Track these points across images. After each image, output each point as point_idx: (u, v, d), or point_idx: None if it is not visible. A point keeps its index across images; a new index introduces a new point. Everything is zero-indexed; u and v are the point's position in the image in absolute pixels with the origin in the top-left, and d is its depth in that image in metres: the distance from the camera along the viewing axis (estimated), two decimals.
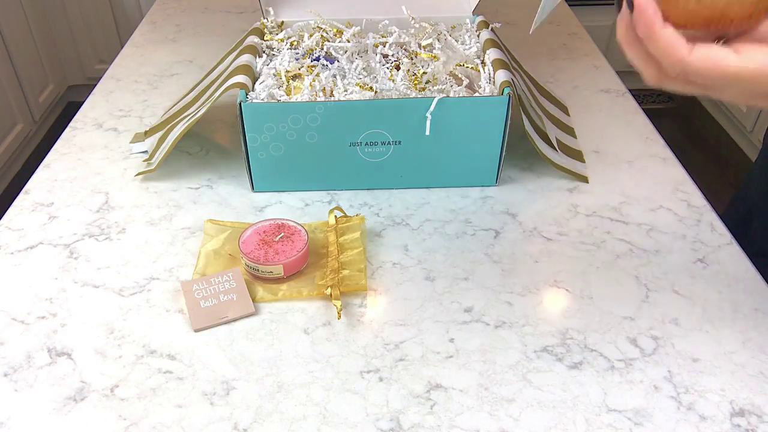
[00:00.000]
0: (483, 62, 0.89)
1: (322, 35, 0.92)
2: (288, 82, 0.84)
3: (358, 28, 0.94)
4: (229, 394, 0.60)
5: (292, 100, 0.81)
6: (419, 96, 0.81)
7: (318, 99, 0.81)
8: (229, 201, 0.84)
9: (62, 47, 2.53)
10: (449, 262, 0.74)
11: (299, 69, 0.86)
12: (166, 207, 0.83)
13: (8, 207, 0.83)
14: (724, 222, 0.81)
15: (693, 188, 0.87)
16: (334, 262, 0.72)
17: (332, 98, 0.82)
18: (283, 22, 0.97)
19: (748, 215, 0.91)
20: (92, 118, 1.02)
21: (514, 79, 0.83)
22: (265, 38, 0.94)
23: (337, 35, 0.93)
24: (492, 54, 0.87)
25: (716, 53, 0.41)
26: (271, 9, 0.97)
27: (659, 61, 0.42)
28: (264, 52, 0.92)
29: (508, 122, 0.80)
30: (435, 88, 0.82)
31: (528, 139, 0.83)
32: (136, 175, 0.88)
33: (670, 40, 0.41)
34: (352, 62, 0.88)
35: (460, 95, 0.82)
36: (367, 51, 0.90)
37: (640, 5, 0.40)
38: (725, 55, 0.41)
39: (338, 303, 0.67)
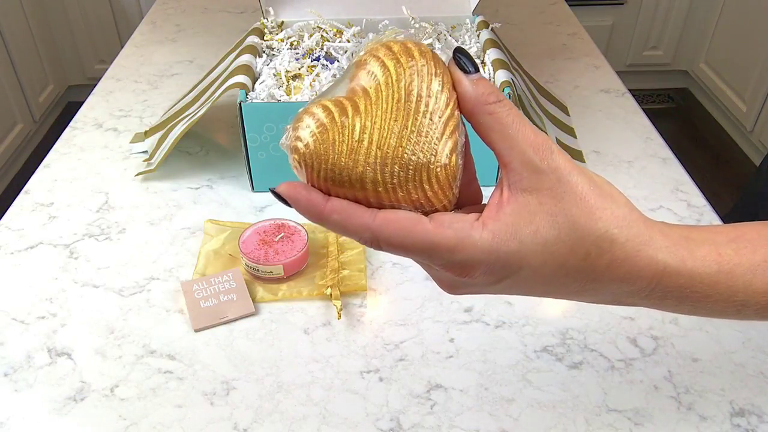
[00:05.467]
0: (483, 62, 0.89)
1: (322, 35, 0.92)
2: (288, 82, 0.84)
3: (358, 28, 0.94)
4: (229, 394, 0.60)
5: (292, 100, 0.81)
6: None
7: None
8: (229, 201, 0.84)
9: (62, 47, 2.53)
10: None
11: (299, 69, 0.86)
12: (166, 207, 0.83)
13: (8, 207, 0.83)
14: (732, 220, 0.81)
15: (693, 188, 0.86)
16: (334, 262, 0.72)
17: None
18: (283, 22, 0.97)
19: (754, 212, 0.91)
20: (92, 118, 1.02)
21: (514, 79, 0.83)
22: (265, 38, 0.94)
23: (337, 35, 0.93)
24: (492, 54, 0.87)
25: (402, 215, 0.33)
26: (271, 9, 0.97)
27: (348, 235, 0.34)
28: (264, 52, 0.92)
29: None
30: None
31: None
32: (136, 175, 0.88)
33: (346, 208, 0.33)
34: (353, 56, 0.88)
35: None
36: None
37: (291, 196, 0.34)
38: (417, 219, 0.33)
39: (338, 303, 0.67)
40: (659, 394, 0.60)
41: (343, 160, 0.33)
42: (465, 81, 0.33)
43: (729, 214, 0.96)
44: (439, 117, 0.33)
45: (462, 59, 0.34)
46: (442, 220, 0.33)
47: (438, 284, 0.37)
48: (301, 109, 0.34)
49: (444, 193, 0.34)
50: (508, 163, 0.33)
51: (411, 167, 0.33)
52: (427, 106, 0.33)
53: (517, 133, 0.33)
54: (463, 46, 0.36)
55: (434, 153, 0.33)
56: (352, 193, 0.33)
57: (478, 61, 0.86)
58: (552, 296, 0.36)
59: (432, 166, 0.33)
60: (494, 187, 0.35)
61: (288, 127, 0.34)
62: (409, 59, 0.33)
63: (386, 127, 0.33)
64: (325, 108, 0.33)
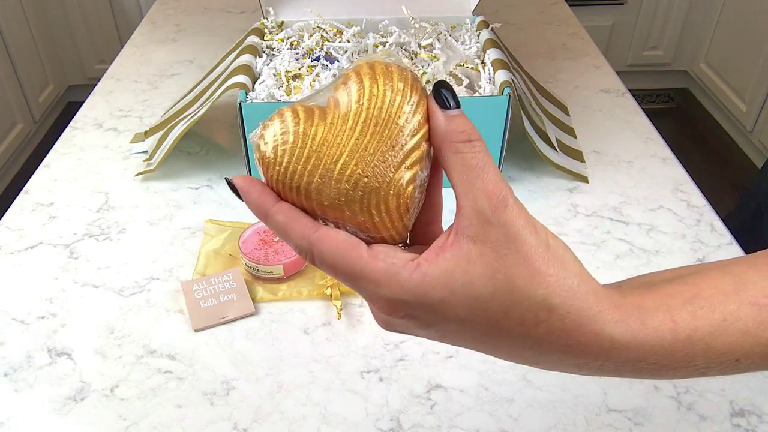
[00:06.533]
0: (483, 62, 0.89)
1: (322, 35, 0.92)
2: (288, 82, 0.84)
3: (358, 28, 0.94)
4: (229, 394, 0.60)
5: (292, 100, 0.81)
6: None
7: None
8: (229, 201, 0.84)
9: (62, 47, 2.53)
10: None
11: (299, 69, 0.86)
12: (166, 207, 0.83)
13: (8, 207, 0.83)
14: (735, 219, 0.81)
15: (693, 188, 0.87)
16: None
17: None
18: (283, 22, 0.97)
19: (758, 212, 0.91)
20: (92, 118, 1.02)
21: (514, 79, 0.83)
22: (265, 38, 0.94)
23: (337, 35, 0.93)
24: (492, 54, 0.87)
25: (342, 236, 0.32)
26: (271, 9, 0.97)
27: (287, 240, 0.34)
28: (264, 52, 0.92)
29: (508, 122, 0.80)
30: None
31: (528, 139, 0.83)
32: (136, 175, 0.88)
33: (293, 212, 0.33)
34: (352, 62, 0.88)
35: (460, 95, 0.82)
36: (367, 51, 0.90)
37: (243, 188, 0.33)
38: (355, 244, 0.32)
39: (338, 303, 0.67)
40: (659, 394, 0.60)
41: (296, 166, 0.32)
42: (438, 114, 0.32)
43: (731, 214, 0.96)
44: (402, 145, 0.32)
45: (443, 93, 0.32)
46: (378, 251, 0.32)
47: (373, 317, 0.36)
48: (277, 110, 0.34)
49: (392, 223, 0.33)
50: (461, 208, 0.32)
51: (360, 189, 0.32)
52: (391, 131, 0.32)
53: (476, 179, 0.31)
54: (446, 80, 0.34)
55: (388, 180, 0.32)
56: (300, 201, 0.33)
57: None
58: (494, 355, 0.35)
59: (383, 193, 0.32)
60: (444, 231, 0.34)
61: (260, 123, 0.34)
62: (387, 82, 0.32)
63: (346, 144, 0.32)
64: (295, 113, 0.33)
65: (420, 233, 0.36)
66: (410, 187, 0.32)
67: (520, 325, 0.32)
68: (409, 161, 0.32)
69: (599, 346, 0.32)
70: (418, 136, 0.32)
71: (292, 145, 0.32)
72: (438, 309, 0.32)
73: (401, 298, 0.32)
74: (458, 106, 0.32)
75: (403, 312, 0.32)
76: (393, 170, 0.32)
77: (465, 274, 0.31)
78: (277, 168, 0.33)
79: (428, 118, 0.33)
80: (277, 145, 0.33)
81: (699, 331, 0.33)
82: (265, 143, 0.33)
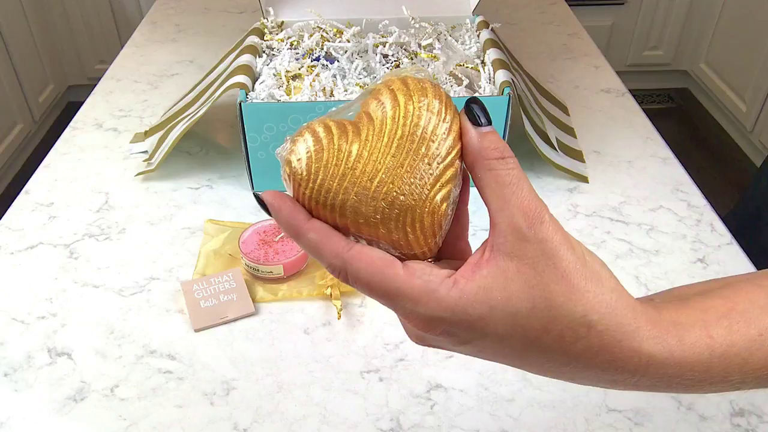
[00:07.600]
0: (483, 62, 0.89)
1: (322, 35, 0.92)
2: (288, 82, 0.84)
3: (358, 28, 0.94)
4: (229, 394, 0.60)
5: (292, 100, 0.81)
6: None
7: (318, 99, 0.81)
8: (229, 201, 0.84)
9: (62, 47, 2.53)
10: None
11: (299, 69, 0.86)
12: (166, 207, 0.83)
13: (8, 207, 0.83)
14: (733, 220, 0.80)
15: (693, 188, 0.86)
16: None
17: (332, 98, 0.82)
18: (283, 22, 0.97)
19: (756, 213, 0.91)
20: (92, 118, 1.02)
21: (514, 79, 0.83)
22: (265, 38, 0.94)
23: (337, 35, 0.93)
24: (492, 54, 0.87)
25: (377, 254, 0.32)
26: (271, 9, 0.97)
27: (320, 259, 0.33)
28: (264, 52, 0.92)
29: (508, 122, 0.80)
30: None
31: (528, 139, 0.83)
32: (136, 175, 0.88)
33: (325, 230, 0.32)
34: (352, 62, 0.88)
35: (460, 95, 0.82)
36: (367, 51, 0.90)
37: (274, 205, 0.33)
38: (390, 262, 0.32)
39: (338, 303, 0.67)
40: (659, 394, 0.60)
41: (331, 183, 0.32)
42: (471, 132, 0.32)
43: (730, 214, 0.96)
44: (438, 163, 0.32)
45: (474, 110, 0.32)
46: (414, 268, 0.32)
47: (406, 332, 0.36)
48: (304, 124, 0.33)
49: (426, 240, 0.33)
50: (496, 224, 0.32)
51: (396, 207, 0.32)
52: (428, 149, 0.32)
53: (512, 195, 0.31)
54: (477, 96, 0.34)
55: (423, 198, 0.32)
56: (333, 219, 0.33)
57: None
58: (531, 371, 0.34)
59: (418, 211, 0.32)
60: (478, 247, 0.34)
61: (287, 138, 0.33)
62: (422, 98, 0.32)
63: (382, 161, 0.32)
64: (327, 128, 0.33)
65: (448, 247, 0.36)
66: (444, 205, 0.32)
67: (559, 342, 0.32)
68: (443, 179, 0.32)
69: (637, 363, 0.32)
70: (453, 154, 0.32)
71: (327, 162, 0.32)
72: (476, 326, 0.32)
73: (439, 315, 0.31)
74: (490, 122, 0.33)
75: (441, 329, 0.32)
76: (428, 188, 0.32)
77: (503, 291, 0.31)
78: (311, 185, 0.32)
79: (460, 135, 0.33)
80: (311, 161, 0.32)
81: (735, 346, 0.33)
82: (298, 159, 0.32)
